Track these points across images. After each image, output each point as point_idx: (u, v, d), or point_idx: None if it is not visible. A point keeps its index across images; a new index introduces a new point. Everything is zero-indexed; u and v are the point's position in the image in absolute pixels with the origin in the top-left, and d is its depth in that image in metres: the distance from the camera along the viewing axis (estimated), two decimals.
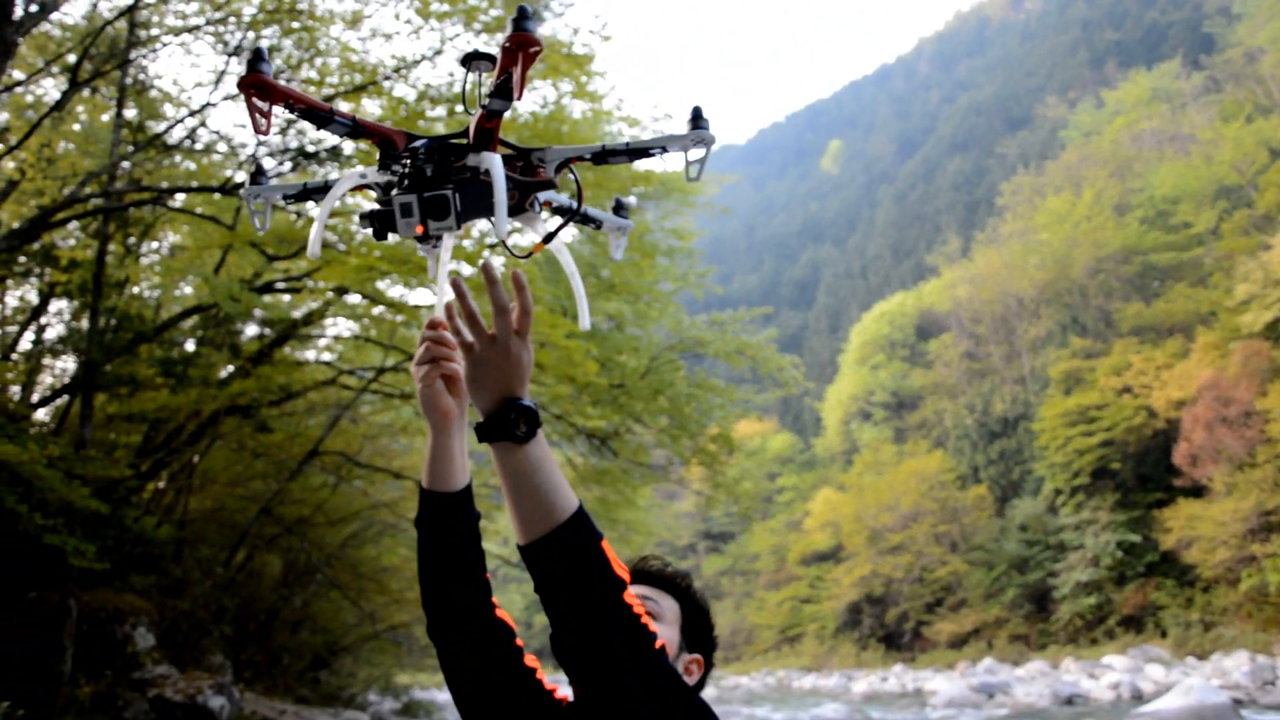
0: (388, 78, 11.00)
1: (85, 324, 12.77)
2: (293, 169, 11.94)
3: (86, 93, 11.94)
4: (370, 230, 1.35)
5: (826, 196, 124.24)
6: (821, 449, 65.86)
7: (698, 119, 1.36)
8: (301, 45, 10.95)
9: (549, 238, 1.45)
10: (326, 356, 17.55)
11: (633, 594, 1.34)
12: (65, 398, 12.89)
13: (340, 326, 16.04)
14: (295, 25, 10.58)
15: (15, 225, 10.46)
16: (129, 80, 12.31)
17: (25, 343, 13.89)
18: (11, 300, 13.86)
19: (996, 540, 43.06)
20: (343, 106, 11.44)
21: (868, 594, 47.46)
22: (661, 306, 14.16)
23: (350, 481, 17.72)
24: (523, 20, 1.15)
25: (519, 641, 1.61)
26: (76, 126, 12.31)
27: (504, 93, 1.23)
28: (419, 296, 13.16)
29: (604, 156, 1.41)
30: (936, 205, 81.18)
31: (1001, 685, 26.29)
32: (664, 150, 1.39)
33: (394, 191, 1.32)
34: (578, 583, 1.29)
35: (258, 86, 1.23)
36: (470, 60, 1.38)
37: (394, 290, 12.96)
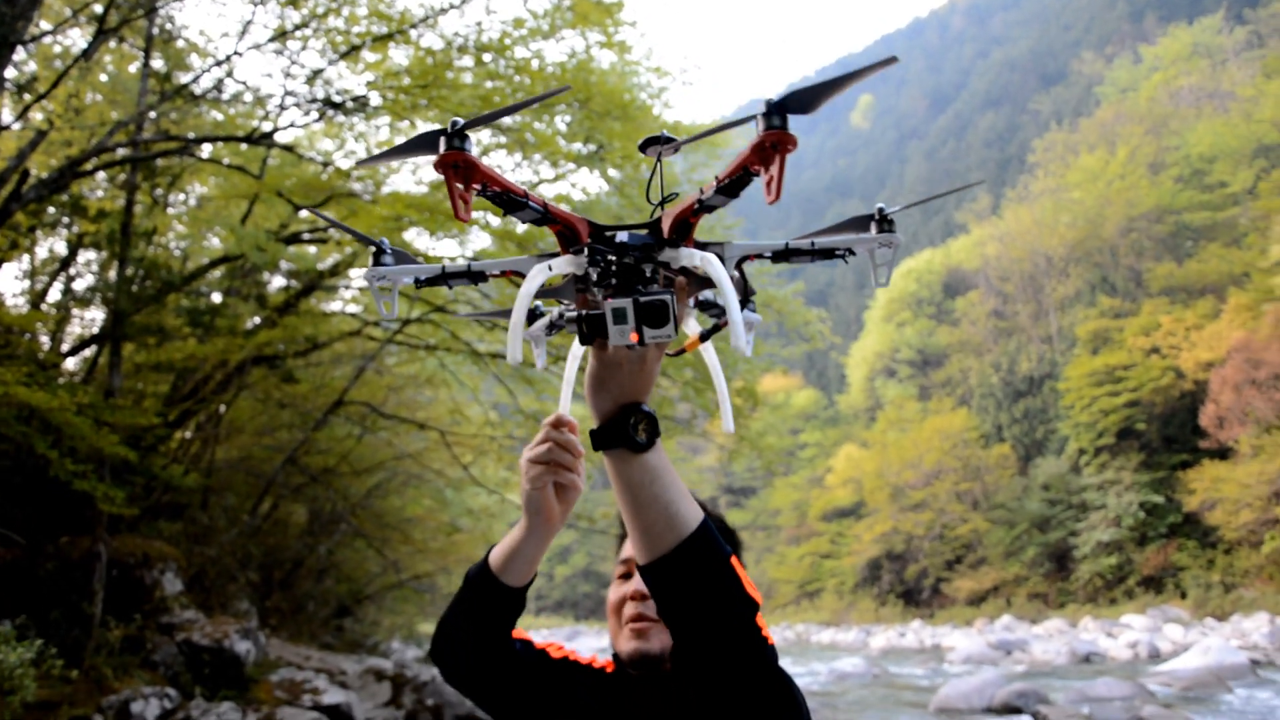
0: (414, 26, 10.91)
1: (113, 274, 12.87)
2: (319, 119, 11.91)
3: (114, 43, 11.92)
4: (576, 335, 1.20)
5: (856, 152, 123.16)
6: (845, 405, 65.90)
7: (884, 221, 1.25)
8: None
9: (705, 337, 1.30)
10: (352, 308, 17.60)
11: (763, 618, 1.25)
12: (94, 347, 13.02)
13: None
14: None
15: (44, 176, 10.50)
16: (156, 30, 12.27)
17: (55, 293, 14.03)
18: (41, 251, 13.98)
19: (1018, 499, 43.07)
20: (369, 57, 11.38)
21: (888, 550, 47.69)
22: None
23: (375, 432, 17.84)
24: (780, 114, 0.98)
25: (527, 638, 1.56)
26: (104, 77, 12.30)
27: (733, 191, 1.09)
28: (446, 247, 13.17)
29: (786, 255, 1.26)
30: (967, 162, 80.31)
31: (1019, 642, 26.43)
32: (850, 252, 1.26)
33: (602, 293, 1.19)
34: (707, 606, 1.18)
35: (460, 165, 1.03)
36: (649, 144, 1.24)
37: (420, 241, 12.98)
